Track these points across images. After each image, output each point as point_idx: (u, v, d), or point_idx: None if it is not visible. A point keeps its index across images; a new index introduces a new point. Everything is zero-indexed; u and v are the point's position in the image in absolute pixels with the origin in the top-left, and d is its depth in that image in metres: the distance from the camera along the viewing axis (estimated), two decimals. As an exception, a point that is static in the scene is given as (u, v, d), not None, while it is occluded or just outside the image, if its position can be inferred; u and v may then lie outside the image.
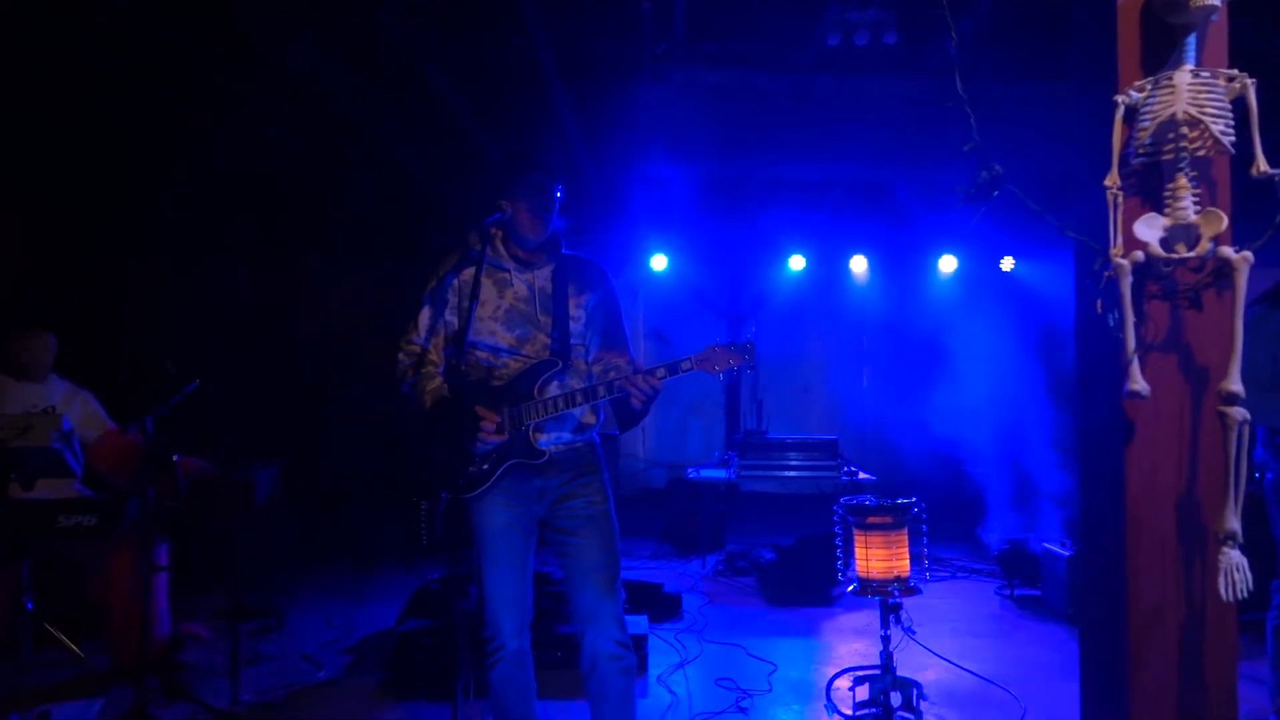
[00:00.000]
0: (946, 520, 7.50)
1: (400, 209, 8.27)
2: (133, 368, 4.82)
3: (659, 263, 8.82)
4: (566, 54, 4.75)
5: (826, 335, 9.82)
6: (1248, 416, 1.35)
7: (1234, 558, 1.34)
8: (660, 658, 4.35)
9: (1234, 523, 1.34)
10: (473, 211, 7.40)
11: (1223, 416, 1.36)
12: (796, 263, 9.07)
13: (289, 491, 4.86)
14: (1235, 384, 1.36)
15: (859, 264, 9.31)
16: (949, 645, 4.52)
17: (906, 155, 5.45)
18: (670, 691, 3.93)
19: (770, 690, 3.96)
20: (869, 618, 5.08)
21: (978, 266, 9.13)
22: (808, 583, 5.62)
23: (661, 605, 5.09)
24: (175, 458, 3.61)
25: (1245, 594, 1.33)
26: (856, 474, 6.18)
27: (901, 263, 9.40)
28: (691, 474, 6.74)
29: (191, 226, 7.41)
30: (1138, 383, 1.37)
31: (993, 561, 6.13)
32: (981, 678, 4.05)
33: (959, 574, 6.37)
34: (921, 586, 2.82)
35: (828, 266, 9.34)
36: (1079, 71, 1.61)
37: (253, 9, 4.12)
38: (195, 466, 3.82)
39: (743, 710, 3.73)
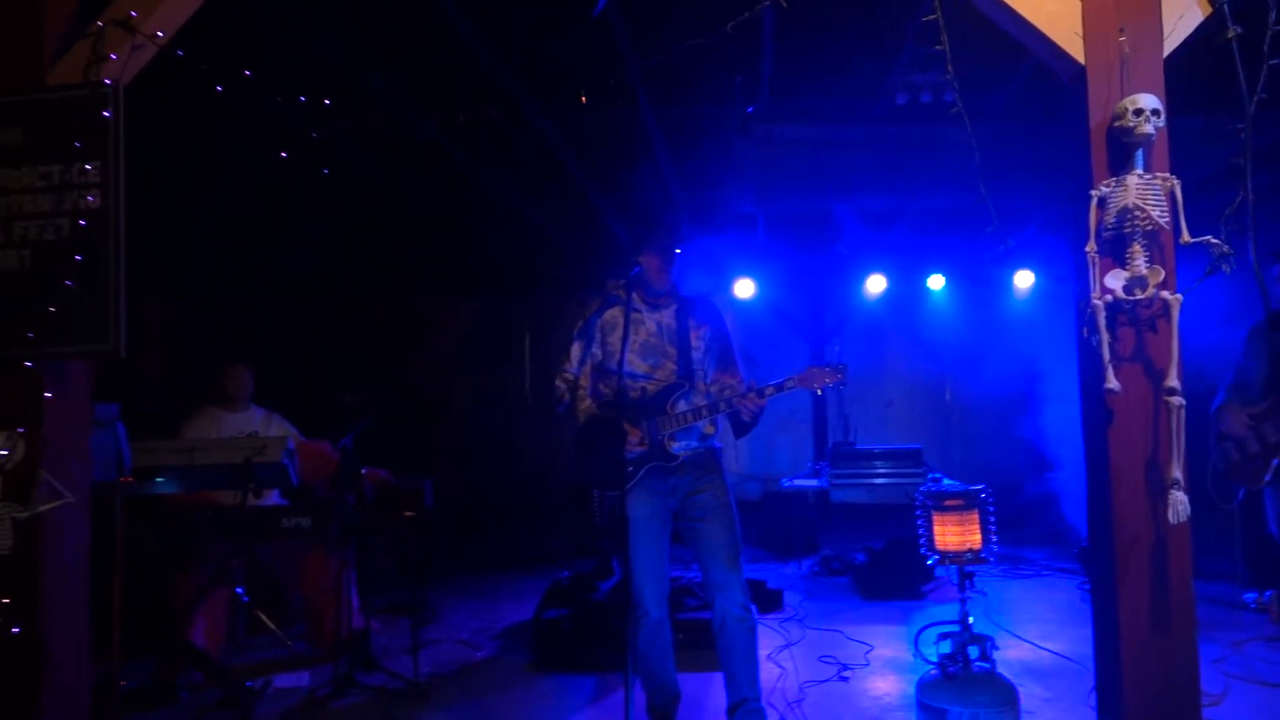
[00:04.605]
0: (1033, 524, 7.91)
1: (505, 249, 9.12)
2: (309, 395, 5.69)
3: (745, 289, 9.43)
4: (667, 115, 5.47)
5: (907, 352, 10.18)
6: (1183, 403, 1.96)
7: (1178, 496, 1.94)
8: (767, 641, 4.94)
9: (1177, 473, 1.94)
10: (594, 259, 8.20)
11: (1167, 404, 1.98)
12: (876, 283, 9.51)
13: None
14: (1173, 381, 1.97)
15: (936, 282, 9.70)
16: (1030, 630, 5.00)
17: (975, 187, 5.97)
18: (780, 666, 4.53)
19: (868, 665, 4.53)
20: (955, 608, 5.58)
21: (1053, 282, 9.44)
22: (899, 580, 6.11)
23: (765, 599, 5.67)
24: (363, 470, 4.43)
25: (1185, 517, 1.92)
26: (941, 480, 6.65)
27: (978, 279, 9.74)
28: (785, 484, 7.29)
29: (333, 276, 8.45)
30: (1112, 383, 2.01)
31: (1076, 560, 6.53)
32: (1058, 654, 4.55)
33: (1043, 572, 6.76)
34: (991, 557, 3.41)
35: (906, 285, 9.69)
36: (1071, 174, 2.25)
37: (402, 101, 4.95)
38: (379, 476, 4.61)
39: (844, 680, 4.31)
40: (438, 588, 6.38)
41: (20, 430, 2.32)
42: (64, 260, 2.33)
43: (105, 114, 2.34)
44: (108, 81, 2.37)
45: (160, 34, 2.44)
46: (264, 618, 4.92)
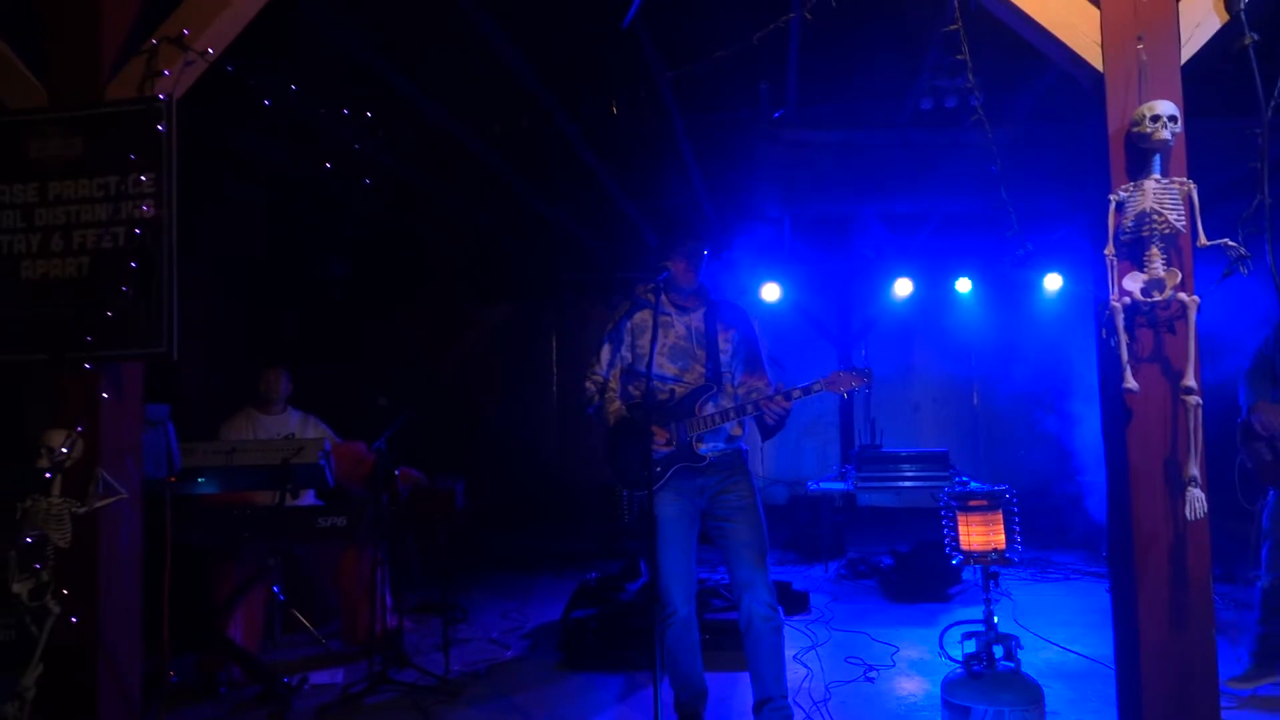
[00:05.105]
0: (1062, 528, 7.88)
1: (534, 253, 9.22)
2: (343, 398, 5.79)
3: (771, 292, 9.46)
4: (693, 120, 5.54)
5: (935, 355, 10.16)
6: (1200, 401, 2.00)
7: (1195, 493, 1.98)
8: (793, 642, 4.99)
9: (1194, 470, 1.98)
10: (622, 263, 8.28)
11: (1184, 402, 2.02)
12: (903, 287, 9.48)
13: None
14: (1191, 380, 2.02)
15: (964, 285, 9.66)
16: (1058, 633, 5.00)
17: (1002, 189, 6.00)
18: (806, 667, 4.58)
19: (894, 666, 4.57)
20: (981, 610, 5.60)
21: (1083, 285, 9.37)
22: (925, 582, 6.12)
23: (791, 600, 5.70)
24: (397, 471, 4.53)
25: (1202, 514, 1.96)
26: (968, 483, 6.65)
27: (1006, 282, 9.69)
28: (812, 486, 7.32)
29: (365, 281, 8.61)
30: (1130, 382, 2.07)
31: (1105, 564, 6.49)
32: (1085, 657, 4.55)
33: (1072, 576, 6.73)
34: (1015, 557, 3.44)
35: (934, 289, 9.67)
36: (1089, 180, 2.30)
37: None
38: (413, 477, 4.71)
39: (870, 680, 4.35)
40: (468, 587, 6.47)
41: (79, 429, 2.43)
42: (120, 267, 2.45)
43: (159, 127, 2.46)
44: (161, 96, 2.48)
45: (210, 50, 2.55)
46: (300, 616, 5.05)
